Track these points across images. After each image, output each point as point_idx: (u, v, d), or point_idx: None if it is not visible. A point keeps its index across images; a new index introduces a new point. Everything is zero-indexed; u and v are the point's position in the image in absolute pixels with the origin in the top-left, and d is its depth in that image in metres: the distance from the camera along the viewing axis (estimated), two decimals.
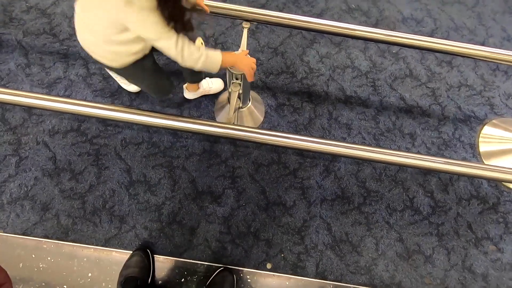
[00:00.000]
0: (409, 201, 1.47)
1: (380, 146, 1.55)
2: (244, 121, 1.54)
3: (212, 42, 1.70)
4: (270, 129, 1.54)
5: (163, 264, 1.32)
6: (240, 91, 1.24)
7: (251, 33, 1.73)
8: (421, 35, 1.26)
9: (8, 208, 1.36)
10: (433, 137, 1.59)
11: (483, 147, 1.58)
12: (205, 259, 1.33)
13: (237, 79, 1.22)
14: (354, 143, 1.51)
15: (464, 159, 1.55)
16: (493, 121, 1.64)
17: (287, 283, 1.32)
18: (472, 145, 1.59)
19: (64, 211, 1.36)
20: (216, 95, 1.59)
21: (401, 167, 1.51)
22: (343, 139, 1.55)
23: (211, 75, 1.55)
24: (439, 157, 1.15)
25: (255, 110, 1.56)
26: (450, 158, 1.54)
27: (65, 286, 1.27)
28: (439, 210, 1.46)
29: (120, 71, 1.09)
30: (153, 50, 1.08)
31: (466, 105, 1.67)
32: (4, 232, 1.33)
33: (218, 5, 1.18)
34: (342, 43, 1.75)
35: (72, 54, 1.62)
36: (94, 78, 1.58)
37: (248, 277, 1.32)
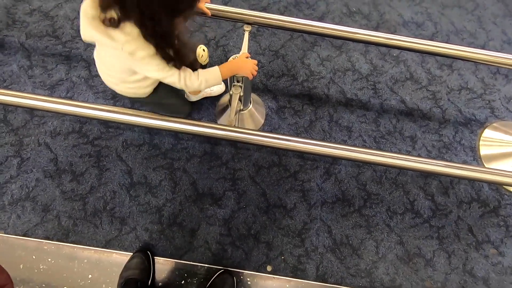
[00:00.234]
0: (410, 204, 1.47)
1: (380, 149, 1.55)
2: (245, 123, 1.55)
3: (213, 45, 1.71)
4: (270, 132, 1.54)
5: (163, 266, 1.32)
6: (241, 94, 1.25)
7: (252, 36, 1.74)
8: (421, 38, 1.27)
9: (9, 209, 1.36)
10: (434, 140, 1.59)
11: (483, 150, 1.59)
12: (205, 261, 1.33)
13: (238, 81, 1.23)
14: (354, 145, 1.51)
15: (464, 162, 1.55)
16: (493, 124, 1.64)
17: (287, 285, 1.31)
18: (472, 148, 1.59)
19: (65, 213, 1.36)
20: (217, 98, 1.60)
21: (402, 170, 1.51)
22: (344, 142, 1.56)
23: None
24: (440, 160, 1.15)
25: (256, 112, 1.56)
26: (450, 161, 1.54)
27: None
28: (439, 213, 1.46)
29: (144, 101, 1.21)
30: None
31: (467, 108, 1.67)
32: (5, 233, 1.33)
33: (220, 8, 1.19)
34: (343, 46, 1.76)
35: (74, 56, 1.63)
36: (96, 80, 1.59)
37: (248, 279, 1.31)
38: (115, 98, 1.56)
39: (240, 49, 1.21)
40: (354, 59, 1.73)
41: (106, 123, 1.51)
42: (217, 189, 1.44)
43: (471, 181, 1.51)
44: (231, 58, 1.20)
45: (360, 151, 1.12)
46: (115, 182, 1.42)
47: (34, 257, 1.30)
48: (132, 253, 1.30)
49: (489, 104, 1.69)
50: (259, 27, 1.75)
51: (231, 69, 1.14)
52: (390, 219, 1.43)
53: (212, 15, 1.17)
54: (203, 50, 1.24)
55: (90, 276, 1.29)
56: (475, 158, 1.57)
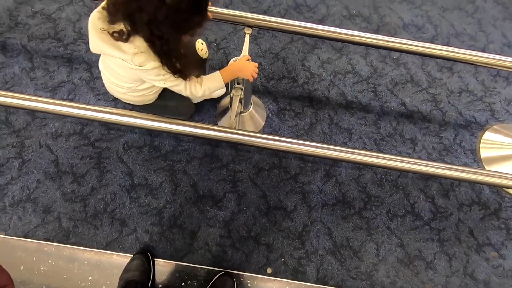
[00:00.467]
0: (410, 206, 1.46)
1: (381, 151, 1.55)
2: (246, 125, 1.55)
3: (214, 48, 1.71)
4: (271, 134, 1.54)
5: (163, 267, 1.32)
6: (242, 96, 1.25)
7: (253, 38, 1.75)
8: (421, 41, 1.28)
9: (10, 211, 1.36)
10: (434, 143, 1.59)
11: (484, 153, 1.58)
12: (205, 263, 1.33)
13: (238, 84, 1.23)
14: (355, 148, 1.51)
15: (465, 164, 1.55)
16: (494, 126, 1.64)
17: None
18: (473, 151, 1.59)
19: (66, 214, 1.37)
20: (218, 99, 1.60)
21: (402, 172, 1.51)
22: (344, 144, 1.56)
23: None
24: (440, 163, 1.15)
25: (256, 114, 1.57)
26: (451, 163, 1.54)
27: None
28: (440, 216, 1.45)
29: (149, 106, 1.23)
30: None
31: (467, 110, 1.67)
32: (5, 235, 1.33)
33: (221, 11, 1.20)
34: (343, 49, 1.76)
35: (76, 58, 1.64)
36: (98, 82, 1.60)
37: (248, 281, 1.31)
38: (116, 100, 1.57)
39: (241, 52, 1.22)
40: (355, 62, 1.74)
41: (107, 125, 1.52)
42: (218, 191, 1.44)
43: (472, 183, 1.51)
44: (231, 61, 1.21)
45: (361, 153, 1.12)
46: (116, 183, 1.42)
47: (34, 258, 1.31)
48: (132, 255, 1.30)
49: (490, 106, 1.69)
50: (260, 30, 1.76)
51: (232, 72, 1.15)
52: (390, 221, 1.43)
53: (213, 18, 1.18)
54: (202, 43, 1.27)
55: (90, 277, 1.29)
56: (476, 161, 1.57)
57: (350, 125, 1.60)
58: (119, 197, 1.40)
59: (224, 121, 1.55)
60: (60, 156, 1.46)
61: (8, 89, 1.56)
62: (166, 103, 1.25)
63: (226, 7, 1.82)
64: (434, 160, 1.54)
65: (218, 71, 1.13)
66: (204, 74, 1.14)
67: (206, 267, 1.32)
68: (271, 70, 1.69)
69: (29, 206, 1.37)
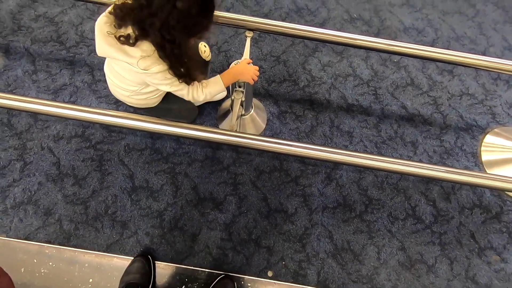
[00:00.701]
0: (411, 209, 1.46)
1: (382, 154, 1.55)
2: (247, 128, 1.55)
3: (215, 51, 1.72)
4: (272, 137, 1.55)
5: (164, 270, 1.32)
6: (243, 99, 1.26)
7: (254, 41, 1.76)
8: (422, 44, 1.28)
9: (11, 213, 1.37)
10: (435, 146, 1.59)
11: (485, 156, 1.58)
12: (206, 266, 1.32)
13: (239, 86, 1.24)
14: (355, 151, 1.51)
15: (466, 168, 1.55)
16: (495, 130, 1.64)
17: None
18: (474, 154, 1.59)
19: (67, 216, 1.37)
20: (219, 102, 1.61)
21: (403, 175, 1.51)
22: (345, 147, 1.56)
23: None
24: (441, 166, 1.15)
25: (257, 117, 1.57)
26: (452, 166, 1.54)
27: None
28: (441, 219, 1.45)
29: (153, 109, 1.25)
30: None
31: (468, 114, 1.67)
32: (7, 237, 1.33)
33: (222, 14, 1.21)
34: (344, 52, 1.77)
35: (78, 61, 1.65)
36: (99, 85, 1.60)
37: (249, 284, 1.31)
38: (117, 103, 1.57)
39: (242, 55, 1.23)
40: (355, 65, 1.74)
41: (108, 128, 1.52)
42: (218, 194, 1.44)
43: (473, 187, 1.50)
44: (233, 64, 1.21)
45: (361, 156, 1.12)
46: (117, 186, 1.42)
47: (35, 260, 1.31)
48: (133, 258, 1.30)
49: (490, 109, 1.69)
50: (261, 33, 1.77)
51: (233, 76, 1.16)
52: (391, 224, 1.43)
53: (214, 21, 1.18)
54: (205, 46, 1.30)
55: (91, 280, 1.29)
56: (477, 164, 1.57)
57: (351, 128, 1.60)
58: (120, 199, 1.40)
59: (225, 123, 1.56)
60: (61, 158, 1.46)
61: (10, 92, 1.57)
62: (170, 106, 1.27)
63: (228, 10, 1.83)
64: (435, 163, 1.54)
65: (218, 75, 1.14)
66: (207, 77, 1.15)
67: (206, 270, 1.32)
68: (272, 73, 1.70)
69: (31, 208, 1.38)
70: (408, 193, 1.49)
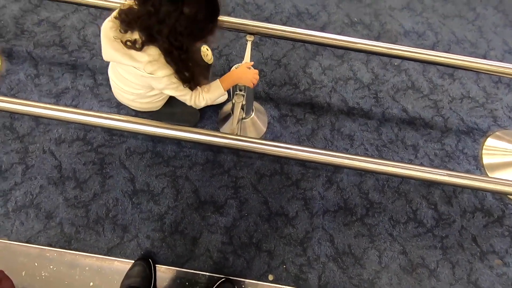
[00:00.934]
0: (412, 213, 1.46)
1: (382, 158, 1.55)
2: (247, 131, 1.56)
3: (216, 54, 1.73)
4: (272, 140, 1.55)
5: (164, 274, 1.32)
6: (244, 102, 1.26)
7: (255, 45, 1.77)
8: (422, 48, 1.28)
9: (13, 216, 1.37)
10: (436, 149, 1.59)
11: (486, 159, 1.58)
12: (206, 270, 1.32)
13: (240, 90, 1.24)
14: (356, 154, 1.51)
15: (467, 171, 1.55)
16: (496, 133, 1.64)
17: None
18: (475, 157, 1.58)
19: (68, 220, 1.37)
20: (220, 106, 1.61)
21: (404, 179, 1.50)
22: (346, 150, 1.56)
23: None
24: (442, 170, 1.15)
25: (258, 120, 1.57)
26: (453, 170, 1.53)
27: None
28: (443, 223, 1.44)
29: (156, 113, 1.26)
30: None
31: (469, 117, 1.67)
32: (8, 240, 1.34)
33: (223, 19, 1.21)
34: (345, 56, 1.78)
35: (80, 65, 1.66)
36: (101, 89, 1.61)
37: None
38: (119, 106, 1.58)
39: (243, 58, 1.23)
40: (356, 68, 1.75)
41: (110, 131, 1.53)
42: (219, 197, 1.44)
43: (475, 190, 1.50)
44: (233, 68, 1.22)
45: (362, 159, 1.12)
46: (118, 189, 1.43)
47: (36, 264, 1.31)
48: (133, 261, 1.30)
49: (492, 113, 1.69)
50: (262, 37, 1.78)
51: (233, 80, 1.17)
52: (392, 228, 1.42)
53: (219, 25, 1.19)
54: (207, 49, 1.31)
55: (91, 283, 1.29)
56: (478, 167, 1.57)
57: (351, 131, 1.60)
58: (121, 202, 1.41)
59: (226, 127, 1.56)
60: (63, 161, 1.47)
61: (13, 95, 1.58)
62: (173, 110, 1.28)
63: (229, 14, 1.84)
64: (436, 167, 1.54)
65: (218, 80, 1.15)
66: (209, 81, 1.16)
67: (207, 273, 1.32)
68: (273, 76, 1.70)
69: (32, 212, 1.38)
70: (409, 197, 1.48)
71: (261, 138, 1.55)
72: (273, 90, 1.67)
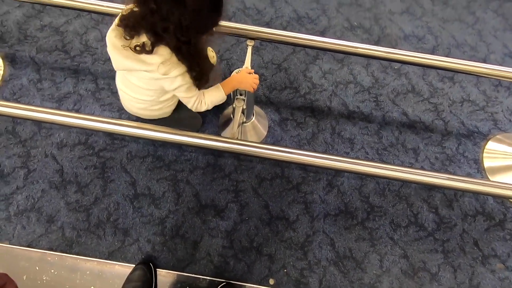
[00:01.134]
0: (413, 216, 1.45)
1: (383, 162, 1.55)
2: (248, 135, 1.56)
3: (217, 59, 1.74)
4: (273, 144, 1.55)
5: (165, 278, 1.31)
6: (244, 107, 1.27)
7: (255, 49, 1.78)
8: (422, 51, 1.29)
9: (14, 220, 1.38)
10: (437, 152, 1.59)
11: (487, 163, 1.58)
12: (207, 274, 1.32)
13: (241, 95, 1.25)
14: (357, 158, 1.52)
15: (468, 174, 1.55)
16: (497, 136, 1.64)
17: None
18: (476, 161, 1.58)
19: (69, 224, 1.38)
20: (220, 110, 1.62)
21: (405, 182, 1.50)
22: (346, 154, 1.56)
23: None
24: (443, 173, 1.15)
25: (258, 124, 1.58)
26: (454, 173, 1.53)
27: None
28: (444, 227, 1.44)
29: (161, 121, 1.25)
30: None
31: (469, 120, 1.67)
32: (9, 244, 1.34)
33: (224, 24, 1.22)
34: (345, 60, 1.78)
35: (82, 70, 1.68)
36: (103, 93, 1.63)
37: None
38: (120, 111, 1.59)
39: (243, 63, 1.24)
40: (356, 72, 1.76)
41: (111, 135, 1.54)
42: (220, 201, 1.44)
43: (476, 194, 1.50)
44: (234, 72, 1.23)
45: (363, 163, 1.12)
46: (119, 193, 1.43)
47: (37, 268, 1.31)
48: (134, 265, 1.30)
49: (492, 116, 1.69)
50: (262, 41, 1.79)
51: (233, 85, 1.18)
52: (393, 232, 1.42)
53: (216, 30, 1.20)
54: (211, 51, 1.32)
55: (92, 287, 1.29)
56: (479, 171, 1.57)
57: (352, 135, 1.60)
58: (122, 206, 1.41)
59: (226, 131, 1.57)
60: (65, 165, 1.47)
61: (15, 100, 1.59)
62: (180, 116, 1.28)
63: (229, 19, 1.86)
64: (437, 171, 1.54)
65: (219, 84, 1.15)
66: (215, 80, 1.16)
67: (208, 277, 1.32)
68: (273, 80, 1.71)
69: (33, 216, 1.38)
70: (410, 200, 1.48)
71: (261, 142, 1.56)
72: (274, 94, 1.68)
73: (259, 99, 1.66)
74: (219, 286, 1.28)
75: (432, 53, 1.82)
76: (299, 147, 1.56)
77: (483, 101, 1.72)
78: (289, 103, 1.66)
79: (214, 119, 1.60)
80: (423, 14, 1.95)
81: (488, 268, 1.37)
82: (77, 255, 1.33)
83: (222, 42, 1.78)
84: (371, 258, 1.37)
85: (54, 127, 1.55)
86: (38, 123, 1.55)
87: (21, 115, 1.15)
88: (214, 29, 0.97)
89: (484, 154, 1.60)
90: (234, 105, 1.28)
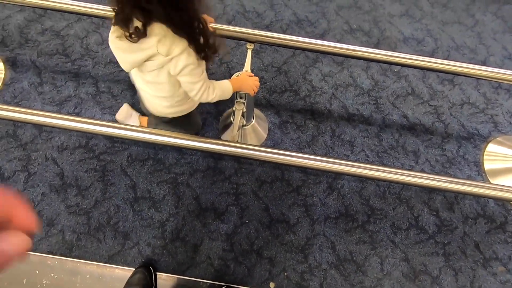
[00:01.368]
0: (414, 219, 1.45)
1: (383, 164, 1.55)
2: (248, 138, 1.56)
3: (217, 62, 1.75)
4: (273, 147, 1.55)
5: (165, 281, 1.31)
6: (244, 110, 1.27)
7: (255, 52, 1.78)
8: (422, 54, 1.29)
9: None
10: (437, 155, 1.59)
11: (488, 165, 1.57)
12: (207, 277, 1.32)
13: (241, 98, 1.25)
14: (357, 161, 1.52)
15: (469, 177, 1.54)
16: (497, 138, 1.64)
17: None
18: (476, 163, 1.58)
19: (69, 227, 1.37)
20: (220, 113, 1.62)
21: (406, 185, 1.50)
22: (346, 157, 1.56)
23: None
24: (444, 176, 1.15)
25: (258, 127, 1.58)
26: (454, 176, 1.53)
27: None
28: (445, 229, 1.44)
29: (170, 124, 1.22)
30: None
31: (469, 122, 1.67)
32: None
33: (224, 27, 1.23)
34: (345, 62, 1.79)
35: (82, 73, 1.68)
36: (103, 96, 1.63)
37: None
38: None
39: (243, 66, 1.24)
40: (356, 75, 1.76)
41: (111, 138, 1.54)
42: (220, 204, 1.44)
43: (477, 196, 1.49)
44: (234, 76, 1.23)
45: (363, 166, 1.12)
46: (119, 196, 1.43)
47: (37, 272, 1.31)
48: (134, 269, 1.30)
49: (492, 118, 1.69)
50: (262, 44, 1.79)
51: (236, 86, 1.17)
52: (394, 235, 1.42)
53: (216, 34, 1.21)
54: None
55: None
56: (480, 173, 1.56)
57: (352, 137, 1.60)
58: (122, 210, 1.41)
59: (226, 134, 1.57)
60: (65, 169, 1.48)
61: (16, 103, 1.60)
62: (180, 119, 1.26)
63: (229, 23, 1.87)
64: (437, 173, 1.53)
65: (228, 81, 1.13)
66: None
67: (208, 281, 1.31)
68: (273, 83, 1.72)
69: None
70: (410, 203, 1.48)
71: (261, 145, 1.56)
72: (274, 97, 1.69)
73: (259, 102, 1.67)
74: None
75: (432, 55, 1.82)
76: (299, 150, 1.56)
77: (483, 104, 1.72)
78: (289, 106, 1.67)
79: (214, 122, 1.60)
80: (423, 16, 1.95)
81: (489, 271, 1.37)
82: (77, 258, 1.33)
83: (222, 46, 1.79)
84: (371, 261, 1.37)
85: (55, 131, 1.55)
86: (39, 126, 1.55)
87: (22, 118, 1.15)
88: None
89: (485, 157, 1.59)
90: (234, 108, 1.28)
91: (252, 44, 1.26)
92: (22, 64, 1.69)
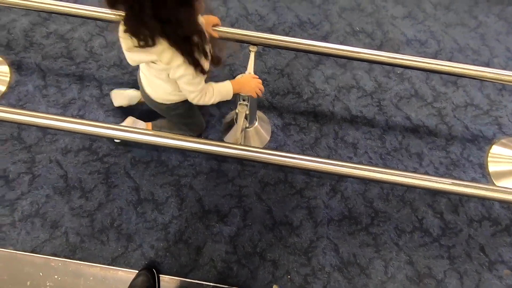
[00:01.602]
0: (418, 222, 1.44)
1: (387, 166, 1.54)
2: (251, 140, 1.56)
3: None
4: (276, 149, 1.55)
5: (168, 284, 1.31)
6: (247, 112, 1.27)
7: (258, 55, 1.78)
8: (425, 56, 1.29)
9: (19, 225, 1.38)
10: (441, 157, 1.58)
11: (492, 167, 1.56)
12: (210, 280, 1.31)
13: (244, 100, 1.25)
14: (360, 163, 1.51)
15: (473, 179, 1.53)
16: (501, 140, 1.63)
17: None
18: (481, 165, 1.57)
19: (73, 229, 1.38)
20: (223, 115, 1.62)
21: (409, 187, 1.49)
22: (350, 159, 1.55)
23: None
24: (448, 178, 1.14)
25: (261, 129, 1.58)
26: (459, 178, 1.52)
27: None
28: (449, 232, 1.43)
29: (176, 121, 1.25)
30: None
31: (473, 124, 1.66)
32: (14, 249, 1.35)
33: (226, 30, 1.24)
34: (347, 64, 1.79)
35: (87, 76, 1.70)
36: (107, 99, 1.64)
37: None
38: (125, 116, 1.60)
39: (246, 68, 1.25)
40: (359, 77, 1.76)
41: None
42: (223, 206, 1.44)
43: (481, 199, 1.48)
44: (238, 77, 1.23)
45: (366, 168, 1.11)
46: (123, 198, 1.44)
47: (41, 274, 1.31)
48: (137, 271, 1.30)
49: (496, 120, 1.68)
50: (265, 47, 1.80)
51: (238, 88, 1.17)
52: (398, 237, 1.41)
53: (219, 36, 1.22)
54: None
55: None
56: (484, 175, 1.55)
57: (355, 139, 1.60)
58: (126, 212, 1.41)
59: (229, 136, 1.57)
60: (69, 171, 1.48)
61: (21, 106, 1.61)
62: (184, 120, 1.28)
63: (232, 25, 1.87)
64: (441, 176, 1.52)
65: (229, 82, 1.15)
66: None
67: (211, 283, 1.31)
68: (276, 86, 1.72)
69: (38, 221, 1.39)
70: (414, 205, 1.47)
71: (264, 147, 1.56)
72: (277, 99, 1.69)
73: (262, 104, 1.67)
74: None
75: (435, 57, 1.82)
76: (302, 152, 1.56)
77: (487, 105, 1.71)
78: (292, 108, 1.67)
79: (217, 125, 1.61)
80: (425, 18, 1.95)
81: (495, 274, 1.35)
82: (81, 260, 1.33)
83: (225, 48, 1.79)
84: (375, 264, 1.36)
85: (59, 133, 1.56)
86: (43, 129, 1.56)
87: (27, 121, 1.16)
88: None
89: (489, 159, 1.58)
90: (237, 110, 1.29)
91: (255, 47, 1.27)
92: (27, 67, 1.71)
